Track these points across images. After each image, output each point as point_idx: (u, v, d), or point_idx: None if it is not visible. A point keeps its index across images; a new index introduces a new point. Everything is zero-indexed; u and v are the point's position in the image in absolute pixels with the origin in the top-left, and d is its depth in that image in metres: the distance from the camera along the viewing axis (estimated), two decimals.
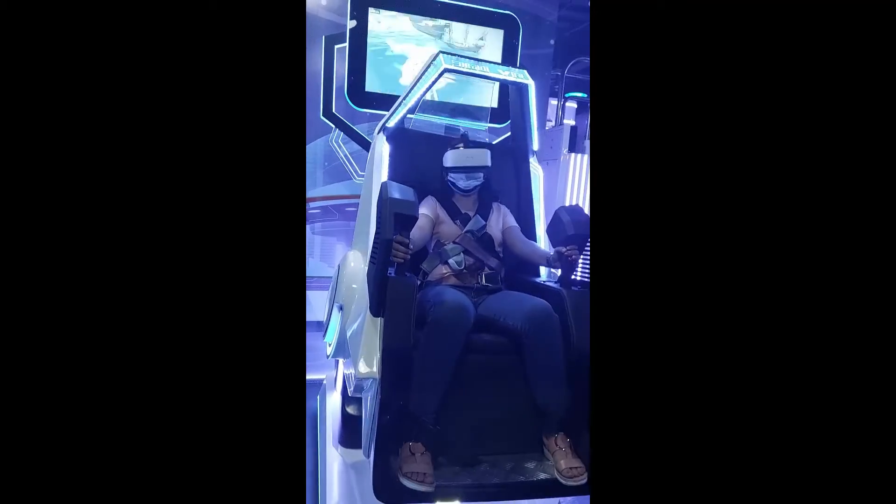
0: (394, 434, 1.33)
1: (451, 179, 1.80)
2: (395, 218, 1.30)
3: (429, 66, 1.74)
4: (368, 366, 1.36)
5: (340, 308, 1.81)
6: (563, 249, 1.51)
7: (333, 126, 2.91)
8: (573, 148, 3.77)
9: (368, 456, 1.39)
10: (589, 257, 1.55)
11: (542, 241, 1.96)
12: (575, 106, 5.52)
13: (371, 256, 1.41)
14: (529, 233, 1.95)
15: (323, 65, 2.85)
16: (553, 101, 4.39)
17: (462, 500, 1.31)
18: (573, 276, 1.59)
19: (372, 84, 2.90)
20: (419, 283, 1.59)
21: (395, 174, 1.84)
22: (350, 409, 1.95)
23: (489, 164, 1.77)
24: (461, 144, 1.80)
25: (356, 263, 1.83)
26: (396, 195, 1.33)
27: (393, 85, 2.96)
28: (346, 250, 3.10)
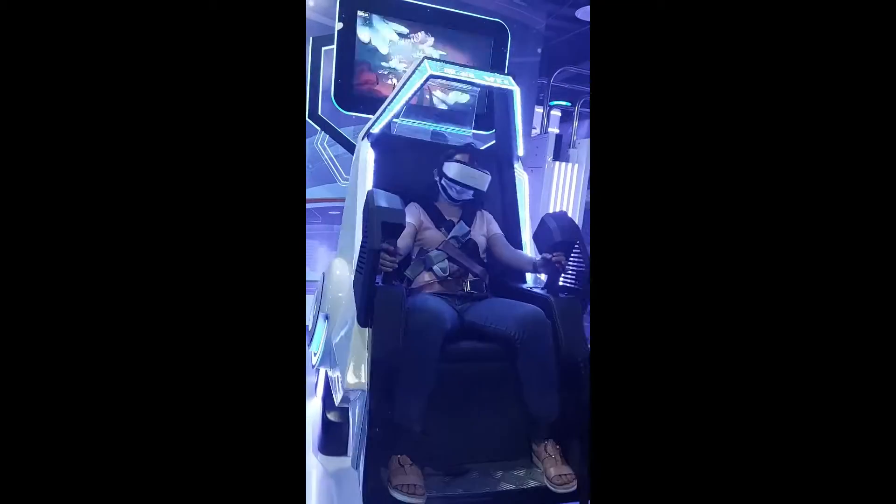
0: (383, 446, 1.31)
1: (445, 185, 1.79)
2: (383, 227, 1.28)
3: (414, 72, 1.74)
4: (357, 377, 1.34)
5: (326, 317, 1.78)
6: (550, 256, 1.52)
7: (319, 128, 2.88)
8: (558, 156, 3.80)
9: (357, 468, 1.36)
10: (579, 264, 1.56)
11: (528, 248, 1.96)
12: (559, 114, 5.58)
13: (358, 266, 1.39)
14: (515, 239, 1.95)
15: (310, 67, 2.82)
16: (538, 109, 4.43)
17: None
18: (560, 283, 1.59)
19: (360, 87, 2.89)
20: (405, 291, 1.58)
21: (380, 180, 1.82)
22: (331, 416, 1.92)
23: (485, 189, 1.78)
24: (467, 156, 1.79)
25: (342, 272, 1.80)
26: (383, 203, 1.32)
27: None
28: (328, 254, 3.07)
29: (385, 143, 1.91)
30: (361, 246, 1.35)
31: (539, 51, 3.25)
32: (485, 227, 1.84)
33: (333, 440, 1.89)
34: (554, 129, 4.57)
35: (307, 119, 2.86)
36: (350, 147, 2.91)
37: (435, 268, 1.68)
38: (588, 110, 5.07)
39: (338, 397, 1.53)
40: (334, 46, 2.81)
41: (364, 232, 1.34)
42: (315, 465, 1.85)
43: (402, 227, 1.34)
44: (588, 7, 4.66)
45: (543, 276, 1.67)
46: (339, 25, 2.81)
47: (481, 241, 1.80)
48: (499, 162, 2.06)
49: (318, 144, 2.90)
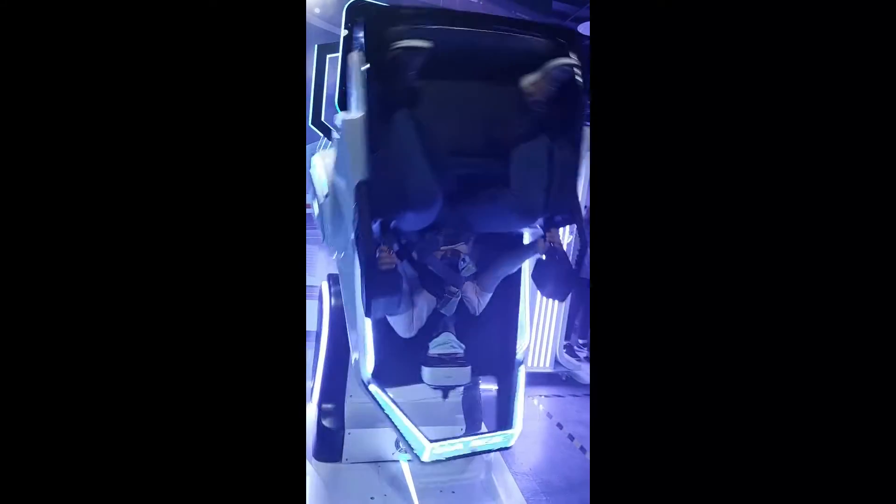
0: None
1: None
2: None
3: None
4: None
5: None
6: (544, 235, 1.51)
7: (322, 135, 2.89)
8: None
9: None
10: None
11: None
12: None
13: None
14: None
15: (314, 73, 2.84)
16: None
17: None
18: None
19: None
20: None
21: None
22: (326, 422, 1.91)
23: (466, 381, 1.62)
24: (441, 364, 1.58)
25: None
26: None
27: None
28: (328, 259, 3.06)
29: None
30: (357, 247, 1.34)
31: None
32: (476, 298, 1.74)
33: (328, 446, 1.88)
34: None
35: (311, 125, 2.87)
36: None
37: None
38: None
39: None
40: (339, 54, 2.83)
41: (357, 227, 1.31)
42: (310, 472, 1.84)
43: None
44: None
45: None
46: (344, 32, 2.83)
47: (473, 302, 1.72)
48: None
49: (321, 150, 2.91)
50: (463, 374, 1.58)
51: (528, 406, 3.16)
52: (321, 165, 1.71)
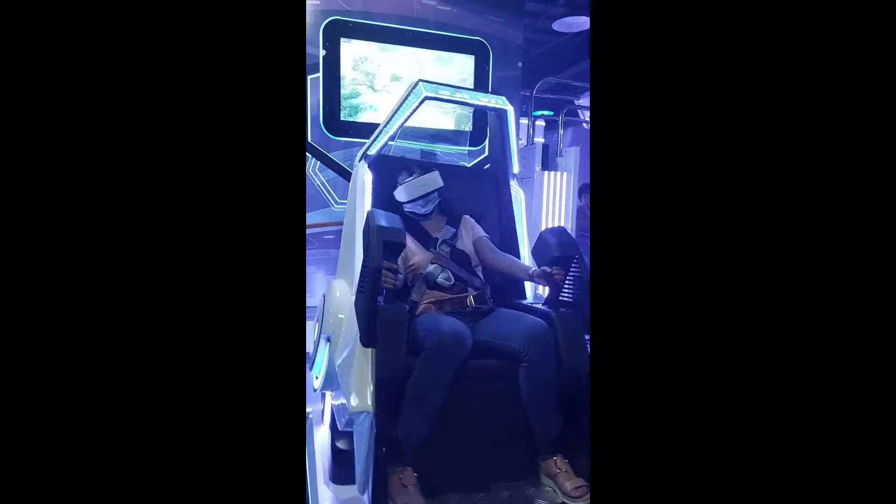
0: (391, 467, 1.30)
1: (410, 210, 1.80)
2: (384, 245, 1.30)
3: (409, 94, 1.76)
4: (361, 399, 1.33)
5: (328, 339, 1.77)
6: (550, 270, 1.53)
7: (310, 155, 2.89)
8: (546, 165, 3.83)
9: (364, 493, 1.35)
10: (577, 278, 1.57)
11: (527, 262, 1.97)
12: (543, 125, 5.64)
13: (359, 286, 1.40)
14: (513, 253, 1.96)
15: None
16: (524, 121, 4.48)
17: None
18: (559, 298, 1.60)
19: (346, 113, 2.91)
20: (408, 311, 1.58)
21: (378, 201, 1.84)
22: (340, 444, 1.90)
23: (441, 183, 1.78)
24: (408, 176, 1.80)
25: (342, 293, 1.80)
26: (384, 223, 1.33)
27: (367, 114, 2.97)
28: (326, 278, 3.06)
29: (382, 165, 1.93)
30: (363, 266, 1.36)
31: (519, 64, 3.29)
32: (470, 233, 1.85)
33: (343, 469, 1.87)
34: (540, 140, 4.62)
35: None
36: (342, 171, 2.92)
37: (439, 279, 1.68)
38: (571, 118, 5.13)
39: (342, 421, 1.52)
40: (320, 74, 2.83)
41: (365, 251, 1.34)
42: (328, 496, 1.83)
43: (402, 245, 1.36)
44: (565, 19, 4.74)
45: (541, 290, 1.68)
46: (322, 52, 2.84)
47: (470, 249, 1.80)
48: (495, 180, 2.08)
49: (311, 171, 2.91)
50: (433, 178, 1.75)
51: None
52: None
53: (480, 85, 3.12)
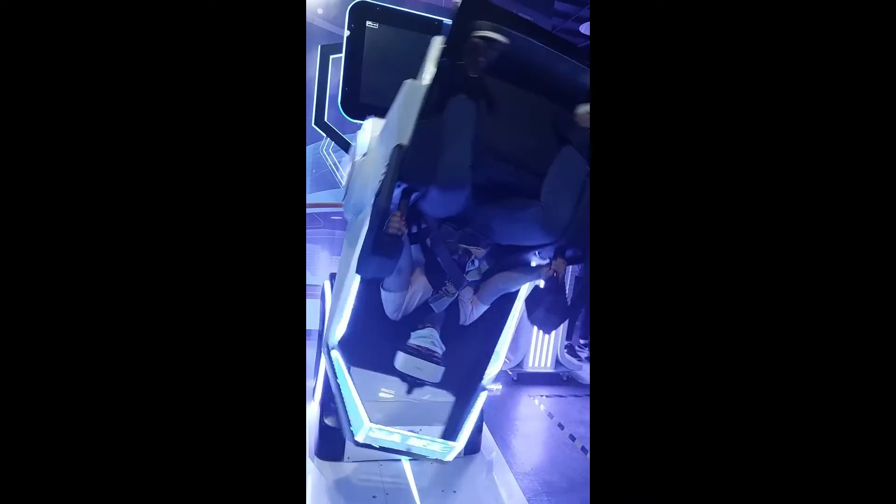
0: None
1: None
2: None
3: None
4: None
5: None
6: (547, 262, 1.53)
7: (324, 135, 2.90)
8: None
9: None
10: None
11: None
12: None
13: (369, 225, 1.37)
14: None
15: (318, 73, 2.85)
16: None
17: None
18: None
19: (366, 96, 2.91)
20: None
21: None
22: (328, 421, 1.92)
23: (438, 379, 1.64)
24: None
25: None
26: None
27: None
28: (330, 258, 3.08)
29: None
30: (373, 204, 1.33)
31: None
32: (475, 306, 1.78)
33: (330, 445, 1.89)
34: None
35: (313, 125, 2.88)
36: None
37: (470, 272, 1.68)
38: None
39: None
40: (342, 55, 2.84)
41: (380, 187, 1.30)
42: (311, 470, 1.85)
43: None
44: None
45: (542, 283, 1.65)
46: (347, 33, 2.84)
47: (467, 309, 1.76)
48: None
49: (323, 151, 2.92)
50: (434, 372, 1.60)
51: (530, 406, 3.17)
52: (369, 129, 1.69)
53: None
